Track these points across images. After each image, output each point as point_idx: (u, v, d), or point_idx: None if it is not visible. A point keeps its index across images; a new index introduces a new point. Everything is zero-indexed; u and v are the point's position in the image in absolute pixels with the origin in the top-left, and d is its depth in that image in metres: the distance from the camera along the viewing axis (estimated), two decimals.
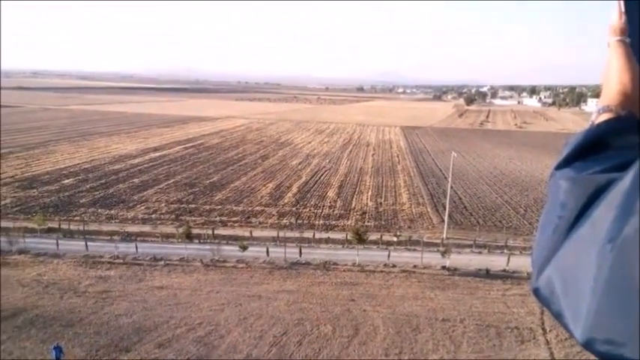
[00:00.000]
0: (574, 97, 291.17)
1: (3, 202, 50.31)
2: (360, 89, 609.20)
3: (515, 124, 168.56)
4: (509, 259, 38.04)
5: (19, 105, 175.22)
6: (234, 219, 48.34)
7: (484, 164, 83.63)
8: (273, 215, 49.88)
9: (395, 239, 43.50)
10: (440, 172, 74.76)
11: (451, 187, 54.07)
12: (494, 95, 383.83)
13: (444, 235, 44.26)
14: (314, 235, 43.61)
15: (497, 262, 38.37)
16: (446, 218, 46.90)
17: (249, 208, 51.80)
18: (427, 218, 50.66)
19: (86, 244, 39.40)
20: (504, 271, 37.11)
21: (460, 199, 58.08)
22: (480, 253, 41.23)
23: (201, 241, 41.67)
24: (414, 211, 53.13)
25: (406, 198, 58.39)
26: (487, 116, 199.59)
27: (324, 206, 53.61)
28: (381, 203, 55.85)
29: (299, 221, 48.27)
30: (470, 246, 42.30)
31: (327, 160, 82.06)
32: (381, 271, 36.98)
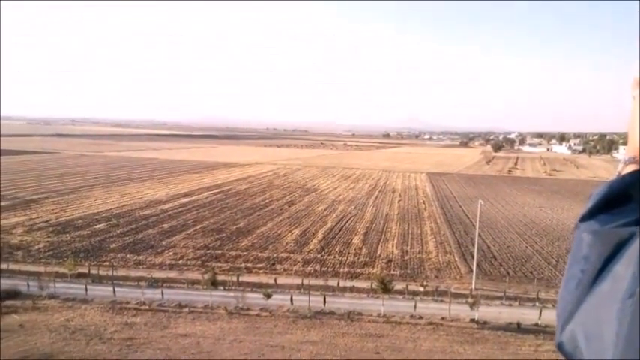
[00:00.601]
0: (605, 144, 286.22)
1: (36, 247, 51.80)
2: (386, 136, 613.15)
3: (545, 172, 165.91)
4: (541, 312, 36.68)
5: (56, 151, 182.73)
6: (259, 265, 48.39)
7: (513, 212, 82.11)
8: (298, 262, 49.74)
9: (421, 289, 42.62)
10: (467, 219, 73.66)
11: (479, 236, 53.14)
12: (522, 142, 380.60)
13: (473, 286, 43.16)
14: (338, 283, 43.16)
15: (528, 315, 37.03)
16: (474, 268, 45.86)
17: (274, 255, 51.85)
18: (455, 268, 49.62)
19: (114, 289, 39.93)
20: (536, 325, 35.73)
21: (489, 248, 56.88)
22: (511, 305, 39.93)
23: (226, 287, 41.71)
24: (441, 259, 52.19)
25: (433, 246, 57.53)
26: (515, 163, 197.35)
27: (349, 253, 53.24)
28: (407, 251, 55.14)
29: (324, 268, 47.94)
30: (500, 298, 41.06)
31: (353, 207, 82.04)
32: (407, 323, 36.10)
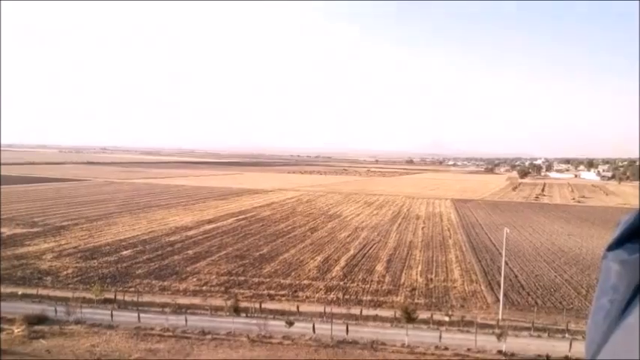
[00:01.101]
0: (634, 170, 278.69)
1: (65, 273, 52.93)
2: (410, 161, 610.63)
3: (574, 198, 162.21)
4: (571, 344, 35.48)
5: (87, 179, 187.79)
6: (282, 292, 48.29)
7: (541, 240, 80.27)
8: (321, 289, 49.48)
9: (447, 319, 41.77)
10: (494, 247, 72.31)
11: (506, 264, 52.05)
12: (549, 168, 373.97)
13: (500, 316, 42.11)
14: (361, 312, 42.67)
15: (558, 347, 35.86)
16: (501, 298, 44.83)
17: (297, 282, 51.72)
18: (481, 297, 48.57)
19: (139, 315, 40.37)
20: (566, 358, 34.53)
21: (516, 277, 55.59)
22: (539, 336, 38.74)
23: (249, 315, 41.71)
24: (466, 288, 51.19)
25: (458, 274, 56.54)
26: (543, 189, 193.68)
27: (372, 281, 52.73)
28: (431, 279, 54.30)
29: (346, 296, 47.54)
30: (528, 329, 39.91)
31: (376, 233, 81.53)
32: (432, 354, 35.35)
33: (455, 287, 51.55)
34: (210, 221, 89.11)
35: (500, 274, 50.95)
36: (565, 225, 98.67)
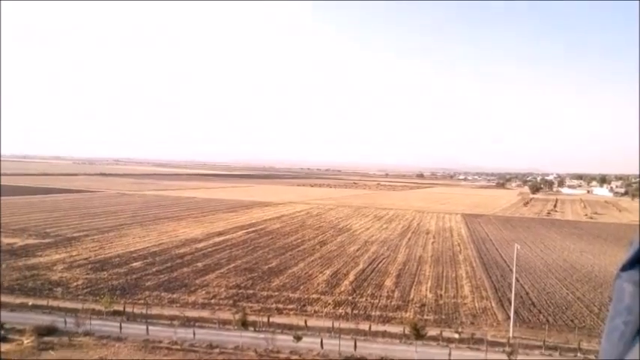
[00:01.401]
0: None
1: (75, 284, 53.30)
2: (420, 176, 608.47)
3: (586, 215, 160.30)
4: None
5: (99, 190, 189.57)
6: (290, 306, 48.13)
7: (553, 257, 79.32)
8: (329, 304, 49.24)
9: (456, 336, 41.31)
10: (504, 263, 71.57)
11: (517, 281, 51.46)
12: (561, 184, 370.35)
13: (511, 334, 41.56)
14: (370, 328, 42.34)
15: None
16: (512, 315, 44.28)
17: (306, 296, 51.54)
18: (491, 314, 48.00)
19: (147, 328, 40.45)
20: None
21: (527, 293, 54.91)
22: (551, 355, 38.16)
23: (257, 329, 41.59)
24: (476, 305, 50.64)
25: (468, 290, 55.99)
26: (555, 205, 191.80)
27: (381, 296, 52.38)
28: (441, 295, 53.81)
29: (355, 311, 47.24)
30: (539, 347, 39.32)
31: (386, 248, 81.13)
32: None
33: (465, 304, 51.03)
34: (219, 233, 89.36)
35: (511, 290, 50.37)
36: (577, 241, 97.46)
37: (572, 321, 45.85)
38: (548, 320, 45.79)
